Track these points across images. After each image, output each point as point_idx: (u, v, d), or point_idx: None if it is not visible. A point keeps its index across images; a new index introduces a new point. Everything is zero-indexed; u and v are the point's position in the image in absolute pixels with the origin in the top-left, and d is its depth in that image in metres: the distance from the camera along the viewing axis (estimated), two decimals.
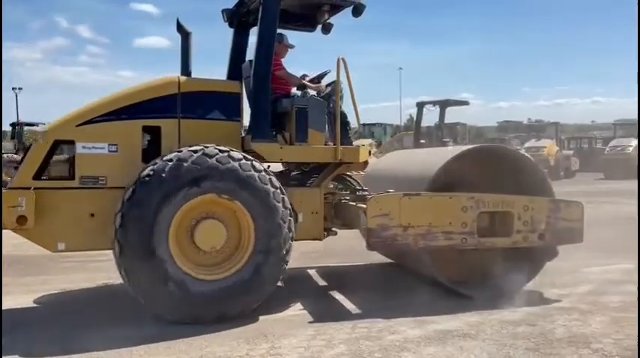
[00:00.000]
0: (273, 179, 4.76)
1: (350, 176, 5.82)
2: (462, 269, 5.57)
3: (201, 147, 4.60)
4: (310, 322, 4.66)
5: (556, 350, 3.92)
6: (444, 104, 19.25)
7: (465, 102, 20.90)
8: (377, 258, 6.96)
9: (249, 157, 4.74)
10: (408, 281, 5.93)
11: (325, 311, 4.96)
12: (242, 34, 6.05)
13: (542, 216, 5.27)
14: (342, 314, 4.89)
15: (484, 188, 5.33)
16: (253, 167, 4.66)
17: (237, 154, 4.66)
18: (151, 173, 4.43)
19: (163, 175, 4.40)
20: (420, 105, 19.37)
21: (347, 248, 7.05)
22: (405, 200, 4.91)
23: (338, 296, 5.52)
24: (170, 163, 4.44)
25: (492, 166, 5.59)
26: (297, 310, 5.06)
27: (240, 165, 4.60)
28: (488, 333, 4.26)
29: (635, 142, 24.43)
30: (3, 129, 17.41)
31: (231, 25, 6.03)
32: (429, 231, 4.98)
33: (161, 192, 4.39)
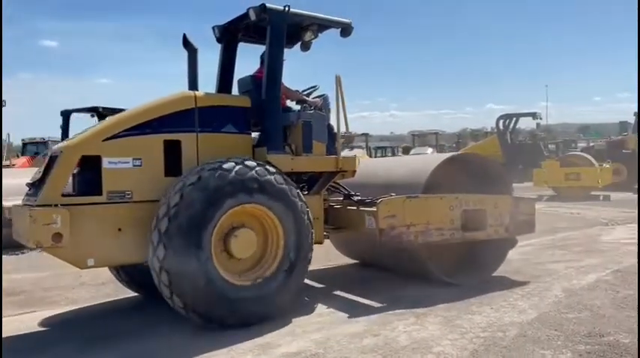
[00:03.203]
0: (287, 178, 5.16)
1: (339, 183, 6.30)
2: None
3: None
4: None
5: None
6: None
7: None
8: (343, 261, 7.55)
9: (262, 163, 5.07)
10: None
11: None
12: (231, 50, 6.30)
13: (507, 211, 6.24)
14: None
15: (454, 189, 6.15)
16: (268, 171, 5.01)
17: (252, 163, 4.99)
18: (197, 180, 4.65)
19: (211, 182, 4.65)
20: None
21: None
22: (407, 202, 5.57)
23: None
24: (216, 172, 4.70)
25: (460, 170, 6.42)
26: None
27: (256, 172, 4.91)
28: (336, 350, 4.20)
29: (430, 151, 27.68)
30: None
31: (219, 41, 6.25)
32: (426, 228, 5.68)
33: (208, 198, 4.63)
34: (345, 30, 6.05)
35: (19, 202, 5.16)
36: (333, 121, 6.04)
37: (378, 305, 5.44)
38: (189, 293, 4.58)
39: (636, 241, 8.63)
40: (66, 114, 14.82)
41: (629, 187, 19.52)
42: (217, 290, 4.67)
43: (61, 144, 4.98)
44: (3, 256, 7.22)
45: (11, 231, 5.01)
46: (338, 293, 6.09)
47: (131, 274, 5.81)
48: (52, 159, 4.77)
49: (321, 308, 5.43)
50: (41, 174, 4.79)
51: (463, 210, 5.93)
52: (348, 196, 6.17)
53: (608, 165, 17.98)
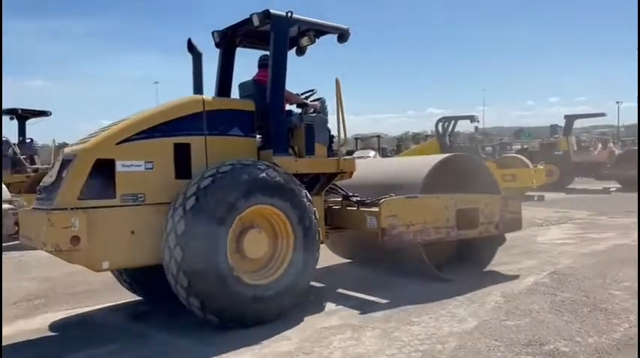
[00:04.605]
0: (301, 184, 5.41)
1: (336, 184, 6.47)
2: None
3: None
4: None
5: None
6: None
7: None
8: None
9: (278, 166, 5.29)
10: None
11: None
12: (230, 54, 6.43)
13: (497, 210, 6.55)
14: None
15: (442, 189, 6.41)
16: (291, 179, 5.27)
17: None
18: (230, 170, 4.87)
19: (244, 176, 4.87)
20: None
21: None
22: (407, 202, 5.80)
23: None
24: (250, 168, 4.97)
25: (449, 171, 6.70)
26: None
27: (282, 178, 5.15)
28: None
29: (373, 153, 28.27)
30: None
31: (218, 46, 6.36)
32: (424, 227, 5.92)
33: (238, 189, 4.84)
34: (342, 36, 6.23)
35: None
36: (331, 123, 6.26)
37: (314, 319, 5.17)
38: (198, 275, 4.62)
39: (570, 242, 9.16)
40: None
41: (561, 187, 20.64)
42: (226, 281, 4.73)
43: (74, 148, 5.00)
44: None
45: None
46: None
47: (133, 275, 5.86)
48: (65, 163, 4.80)
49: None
50: (54, 177, 4.82)
51: (457, 210, 6.20)
52: (346, 197, 6.36)
53: (541, 167, 18.68)
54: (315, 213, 5.39)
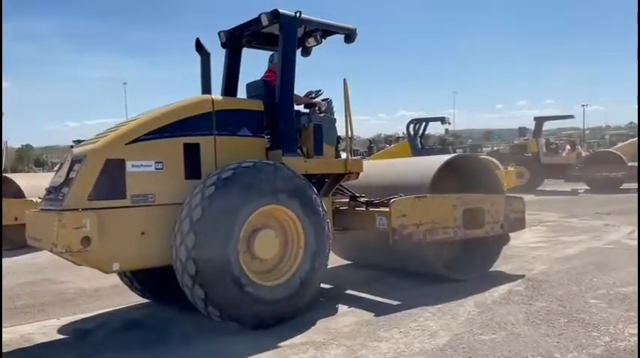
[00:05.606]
0: (311, 185, 5.36)
1: (342, 185, 6.42)
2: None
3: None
4: None
5: None
6: None
7: None
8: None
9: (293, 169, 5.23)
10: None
11: None
12: (236, 55, 6.36)
13: (501, 210, 6.56)
14: None
15: (447, 189, 6.42)
16: (300, 178, 5.23)
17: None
18: (232, 175, 4.77)
19: (248, 179, 4.81)
20: None
21: None
22: (416, 201, 5.78)
23: None
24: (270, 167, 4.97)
25: (453, 170, 6.70)
26: None
27: (291, 177, 5.12)
28: None
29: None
30: None
31: (224, 46, 6.29)
32: (433, 227, 5.90)
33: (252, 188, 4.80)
34: (349, 36, 6.21)
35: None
36: (339, 124, 6.22)
37: (275, 335, 4.73)
38: (213, 285, 4.55)
39: (543, 246, 9.14)
40: None
41: (531, 189, 20.83)
42: (241, 288, 4.67)
43: (83, 148, 4.89)
44: None
45: None
46: None
47: (140, 279, 5.73)
48: (74, 163, 4.69)
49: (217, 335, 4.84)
50: (63, 178, 4.70)
51: (464, 209, 6.19)
52: (354, 198, 6.31)
53: (512, 168, 18.69)
54: (326, 215, 5.33)
